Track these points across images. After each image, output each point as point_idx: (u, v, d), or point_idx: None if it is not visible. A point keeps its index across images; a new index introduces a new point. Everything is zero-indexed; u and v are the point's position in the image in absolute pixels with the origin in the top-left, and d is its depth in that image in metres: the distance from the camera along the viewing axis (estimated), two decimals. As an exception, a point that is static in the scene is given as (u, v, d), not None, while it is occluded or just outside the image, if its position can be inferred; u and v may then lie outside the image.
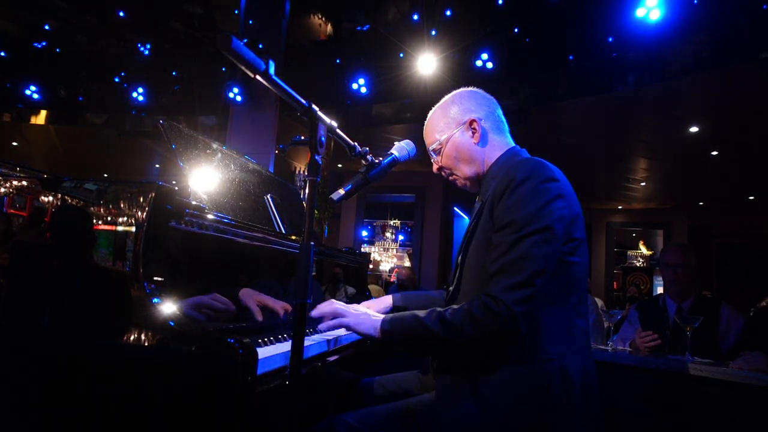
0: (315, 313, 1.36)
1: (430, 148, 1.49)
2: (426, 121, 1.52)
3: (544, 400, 1.15)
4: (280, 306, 1.42)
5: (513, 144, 1.47)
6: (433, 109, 1.52)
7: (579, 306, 1.26)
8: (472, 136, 1.42)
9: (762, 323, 2.48)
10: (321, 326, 1.36)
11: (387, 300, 1.67)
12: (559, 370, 1.16)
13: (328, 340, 1.42)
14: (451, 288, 1.43)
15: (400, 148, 1.37)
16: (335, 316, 1.33)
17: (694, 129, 6.44)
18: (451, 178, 1.50)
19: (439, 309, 1.22)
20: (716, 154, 7.27)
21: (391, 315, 1.28)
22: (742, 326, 2.49)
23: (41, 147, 10.11)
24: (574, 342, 1.21)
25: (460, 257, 1.40)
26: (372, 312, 1.34)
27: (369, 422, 1.24)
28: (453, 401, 1.23)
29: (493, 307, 1.13)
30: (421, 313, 1.23)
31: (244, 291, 1.35)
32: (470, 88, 1.51)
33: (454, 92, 1.51)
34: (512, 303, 1.12)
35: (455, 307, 1.20)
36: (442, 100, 1.51)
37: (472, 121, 1.42)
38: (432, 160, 1.51)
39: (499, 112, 1.50)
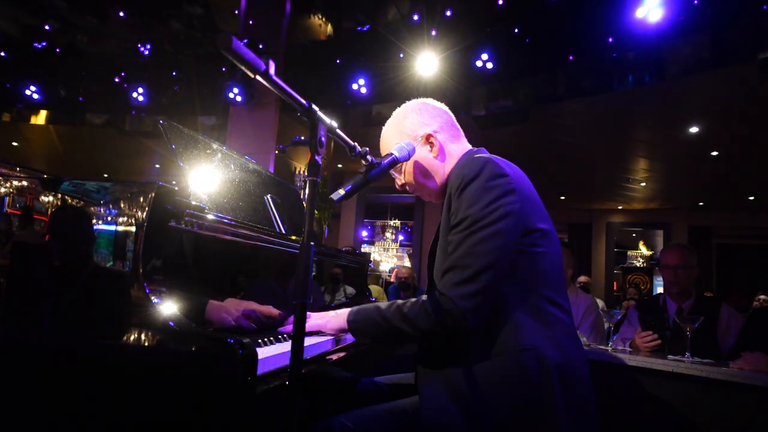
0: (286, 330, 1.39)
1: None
2: (381, 139, 1.50)
3: (524, 390, 1.15)
4: (265, 310, 1.41)
5: (469, 147, 1.47)
6: (386, 125, 1.50)
7: (555, 295, 1.26)
8: (431, 150, 1.42)
9: (759, 324, 2.48)
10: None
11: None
12: (536, 360, 1.16)
13: (329, 340, 1.42)
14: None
15: (400, 148, 1.37)
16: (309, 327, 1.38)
17: (694, 129, 6.44)
18: (416, 193, 1.50)
19: (399, 301, 1.27)
20: (716, 154, 7.28)
21: (356, 307, 1.35)
22: (741, 326, 2.49)
23: (41, 147, 10.12)
24: (551, 331, 1.21)
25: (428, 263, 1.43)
26: (341, 311, 1.40)
27: (365, 423, 1.25)
28: (435, 398, 1.23)
29: (443, 303, 1.18)
30: (383, 304, 1.29)
31: (228, 301, 1.34)
32: (420, 101, 1.50)
33: (404, 106, 1.50)
34: (458, 298, 1.16)
35: (413, 300, 1.25)
36: (393, 116, 1.50)
37: (428, 136, 1.41)
38: (394, 178, 1.50)
39: (452, 118, 1.50)
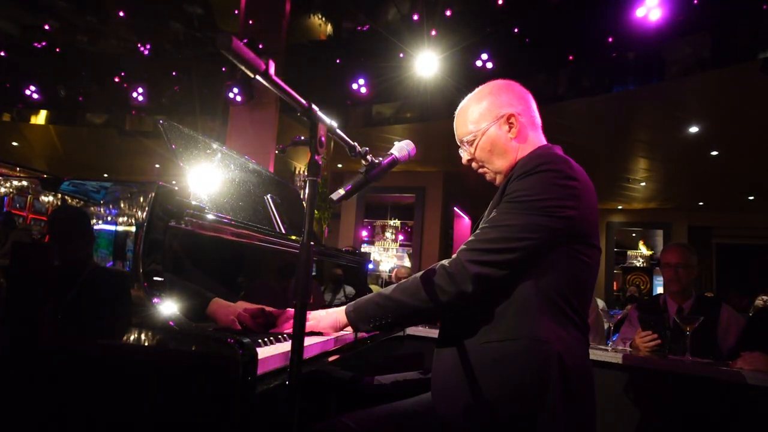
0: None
1: (464, 139, 1.43)
2: (458, 111, 1.45)
3: (528, 374, 1.13)
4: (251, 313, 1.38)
5: (545, 141, 1.44)
6: (467, 98, 1.45)
7: (581, 307, 1.25)
8: (509, 131, 1.37)
9: (762, 323, 2.47)
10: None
11: None
12: (546, 352, 1.14)
13: (329, 340, 1.42)
14: None
15: (400, 148, 1.36)
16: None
17: (694, 129, 6.44)
18: (480, 170, 1.45)
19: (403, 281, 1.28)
20: (716, 154, 7.27)
21: (355, 300, 1.35)
22: (742, 326, 2.49)
23: (41, 147, 10.11)
24: (567, 334, 1.20)
25: None
26: (332, 309, 1.39)
27: (367, 424, 1.24)
28: (443, 372, 1.23)
29: (449, 266, 1.15)
30: (382, 289, 1.29)
31: (239, 304, 1.33)
32: (507, 81, 1.45)
33: (491, 83, 1.44)
34: (468, 261, 1.13)
35: (416, 274, 1.24)
36: (477, 91, 1.44)
37: (510, 116, 1.37)
38: (461, 150, 1.46)
39: (534, 107, 1.45)
